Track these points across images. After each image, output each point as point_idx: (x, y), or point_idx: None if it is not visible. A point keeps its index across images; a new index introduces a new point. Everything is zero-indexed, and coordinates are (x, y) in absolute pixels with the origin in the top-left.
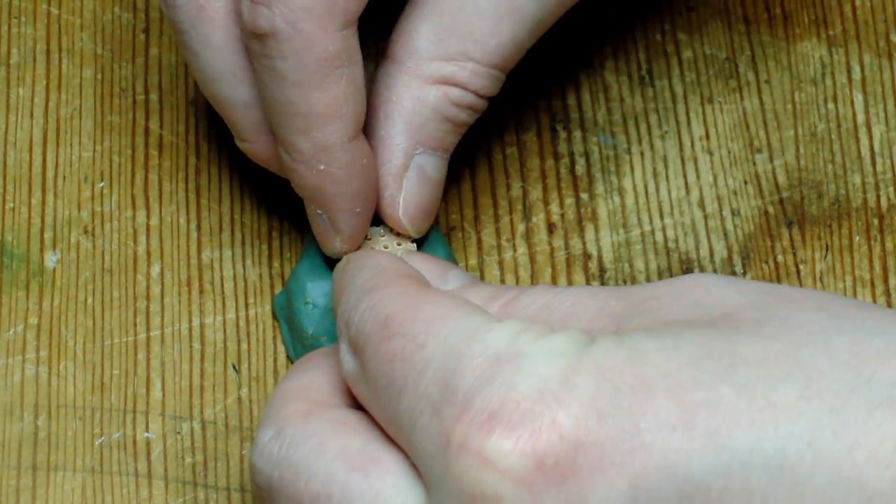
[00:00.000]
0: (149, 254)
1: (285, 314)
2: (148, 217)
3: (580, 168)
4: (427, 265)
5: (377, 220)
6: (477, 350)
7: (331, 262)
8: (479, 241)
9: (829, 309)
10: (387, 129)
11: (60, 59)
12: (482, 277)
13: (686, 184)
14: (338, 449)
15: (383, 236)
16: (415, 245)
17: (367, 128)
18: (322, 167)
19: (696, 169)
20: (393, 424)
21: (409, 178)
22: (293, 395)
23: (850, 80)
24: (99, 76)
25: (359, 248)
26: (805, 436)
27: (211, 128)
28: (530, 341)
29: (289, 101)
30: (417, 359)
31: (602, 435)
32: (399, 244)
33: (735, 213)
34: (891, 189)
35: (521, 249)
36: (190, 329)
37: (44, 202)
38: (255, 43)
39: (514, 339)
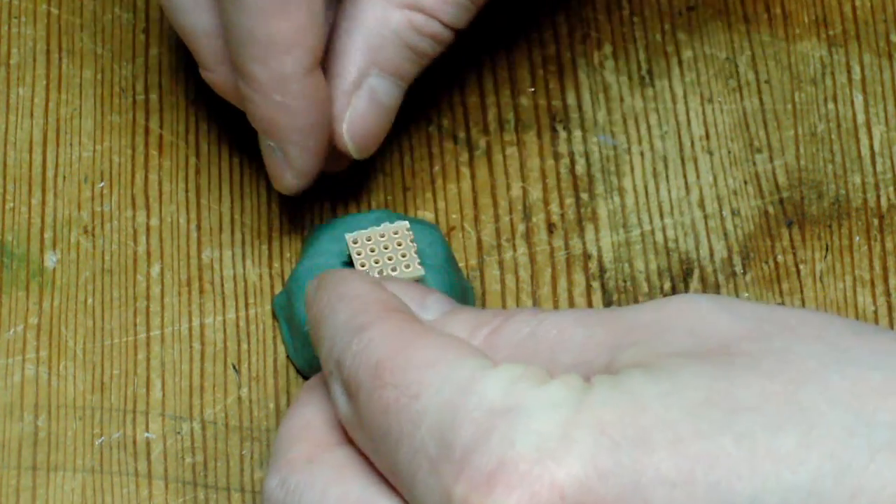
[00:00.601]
0: (149, 254)
1: (285, 314)
2: (148, 217)
3: (580, 168)
4: (405, 292)
5: (366, 223)
6: (472, 403)
7: (331, 264)
8: (479, 241)
9: (826, 337)
10: (344, 45)
11: (60, 59)
12: (482, 277)
13: (686, 184)
14: (337, 497)
15: (369, 240)
16: (408, 242)
17: (327, 44)
18: (277, 97)
19: (696, 169)
20: (393, 474)
21: (360, 97)
22: (296, 436)
23: (850, 80)
24: (99, 76)
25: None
26: (806, 485)
27: (211, 128)
28: (526, 391)
29: (247, 27)
30: (412, 411)
31: (603, 493)
32: (386, 247)
33: (735, 213)
34: (891, 189)
35: (521, 249)
36: (190, 329)
37: (44, 202)
38: None
39: (510, 390)
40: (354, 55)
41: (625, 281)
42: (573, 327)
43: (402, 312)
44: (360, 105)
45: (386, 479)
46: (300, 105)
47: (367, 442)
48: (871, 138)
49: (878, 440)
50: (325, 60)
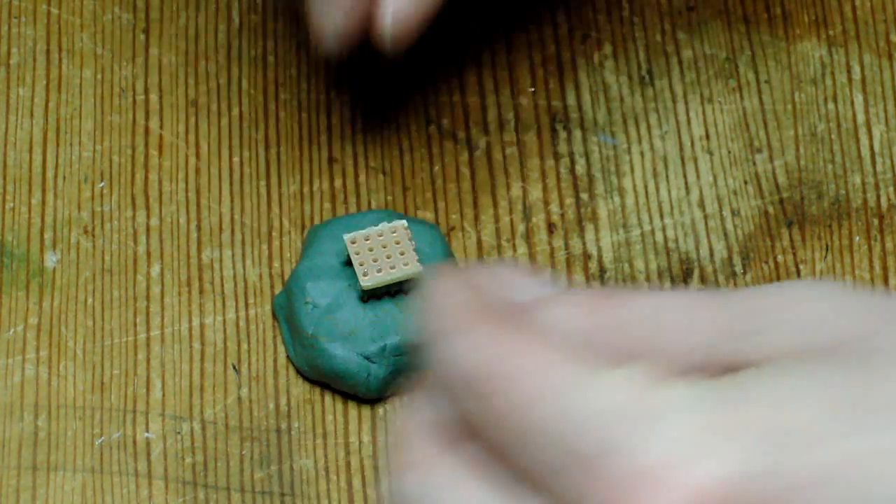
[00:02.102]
0: (149, 254)
1: (285, 314)
2: (148, 217)
3: (580, 168)
4: (511, 272)
5: (365, 222)
6: (593, 409)
7: (330, 263)
8: (479, 241)
9: None
10: None
11: (60, 59)
12: None
13: (686, 184)
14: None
15: (367, 239)
16: (406, 241)
17: None
18: None
19: (696, 169)
20: (524, 476)
21: None
22: (426, 431)
23: (850, 80)
24: (99, 76)
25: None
26: None
27: (211, 128)
28: (649, 394)
29: None
30: (526, 421)
31: (748, 495)
32: (384, 246)
33: (735, 213)
34: (891, 189)
35: (521, 249)
36: (190, 329)
37: (44, 202)
38: None
39: (630, 392)
40: None
41: (625, 281)
42: (698, 311)
43: (499, 314)
44: None
45: (503, 482)
46: None
47: (486, 443)
48: (871, 138)
49: None
50: None
